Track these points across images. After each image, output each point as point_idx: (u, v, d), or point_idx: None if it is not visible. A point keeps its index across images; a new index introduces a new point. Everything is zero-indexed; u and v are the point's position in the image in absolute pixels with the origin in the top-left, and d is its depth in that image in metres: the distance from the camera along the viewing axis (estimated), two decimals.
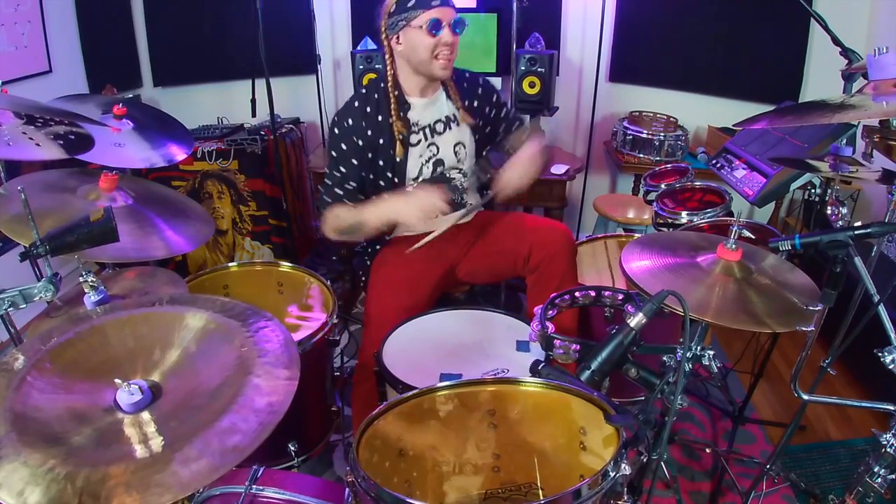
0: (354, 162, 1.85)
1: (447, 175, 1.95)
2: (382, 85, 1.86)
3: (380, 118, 1.84)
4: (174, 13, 3.41)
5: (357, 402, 1.80)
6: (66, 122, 1.42)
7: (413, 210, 1.71)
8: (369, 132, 1.84)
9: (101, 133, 1.57)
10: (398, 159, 1.85)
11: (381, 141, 1.85)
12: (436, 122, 1.91)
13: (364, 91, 1.89)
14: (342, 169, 1.85)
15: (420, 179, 1.92)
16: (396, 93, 1.84)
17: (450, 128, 1.94)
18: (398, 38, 1.79)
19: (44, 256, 1.11)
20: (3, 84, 1.58)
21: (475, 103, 1.97)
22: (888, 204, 1.40)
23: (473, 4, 3.24)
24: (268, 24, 2.61)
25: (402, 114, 1.85)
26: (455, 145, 1.94)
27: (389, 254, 1.97)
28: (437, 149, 1.92)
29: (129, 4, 3.37)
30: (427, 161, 1.91)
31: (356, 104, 1.86)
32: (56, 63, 2.94)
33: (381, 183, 1.90)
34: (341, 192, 1.86)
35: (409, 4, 1.74)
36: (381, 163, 1.87)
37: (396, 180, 1.90)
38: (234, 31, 3.38)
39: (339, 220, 1.84)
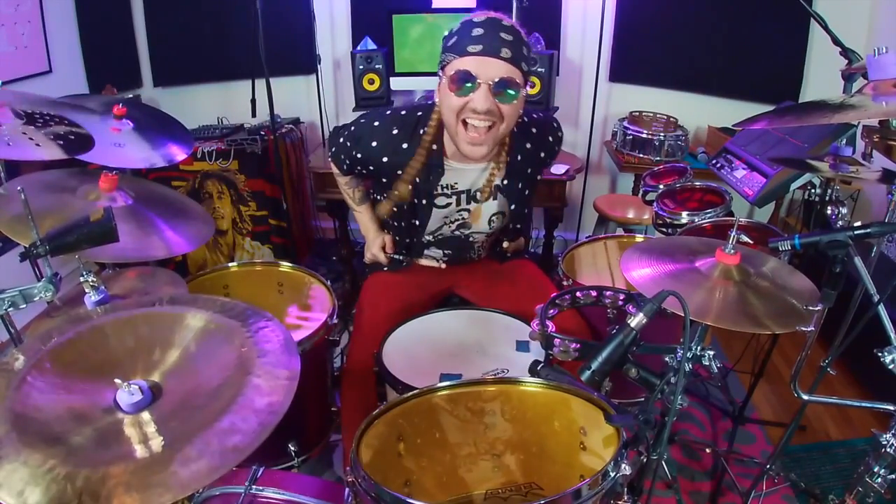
0: (360, 169, 1.71)
1: (469, 238, 1.76)
2: (430, 120, 1.51)
3: (405, 146, 1.54)
4: (174, 13, 3.41)
5: (347, 407, 1.64)
6: (66, 122, 1.42)
7: (368, 250, 1.81)
8: (385, 159, 1.58)
9: (101, 133, 1.56)
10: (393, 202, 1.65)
11: (399, 171, 1.57)
12: (476, 191, 1.60)
13: (404, 113, 1.58)
14: (346, 162, 1.71)
15: (436, 235, 1.75)
16: (434, 146, 1.51)
17: (495, 197, 1.62)
18: (439, 84, 1.41)
19: (44, 256, 1.11)
20: (3, 84, 1.58)
21: (526, 173, 1.62)
22: (888, 204, 1.41)
23: (473, 4, 3.24)
24: (268, 24, 2.61)
25: (429, 176, 1.54)
26: (493, 216, 1.68)
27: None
28: (469, 215, 1.66)
29: (129, 4, 3.38)
30: (451, 223, 1.71)
31: (394, 132, 1.55)
32: (56, 63, 2.94)
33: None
34: (345, 166, 1.72)
35: (450, 44, 1.33)
36: (381, 180, 1.70)
37: (417, 222, 1.70)
38: (234, 31, 3.38)
39: (344, 187, 1.83)
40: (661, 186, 2.11)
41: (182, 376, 0.95)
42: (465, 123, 1.38)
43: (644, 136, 3.10)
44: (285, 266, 1.90)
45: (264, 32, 2.59)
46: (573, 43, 3.39)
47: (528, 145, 1.61)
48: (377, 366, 1.48)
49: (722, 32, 3.15)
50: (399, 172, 1.56)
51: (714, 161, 2.16)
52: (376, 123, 1.58)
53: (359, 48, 3.11)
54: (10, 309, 1.10)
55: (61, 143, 1.38)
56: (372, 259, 1.81)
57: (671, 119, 3.20)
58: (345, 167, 1.76)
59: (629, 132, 3.15)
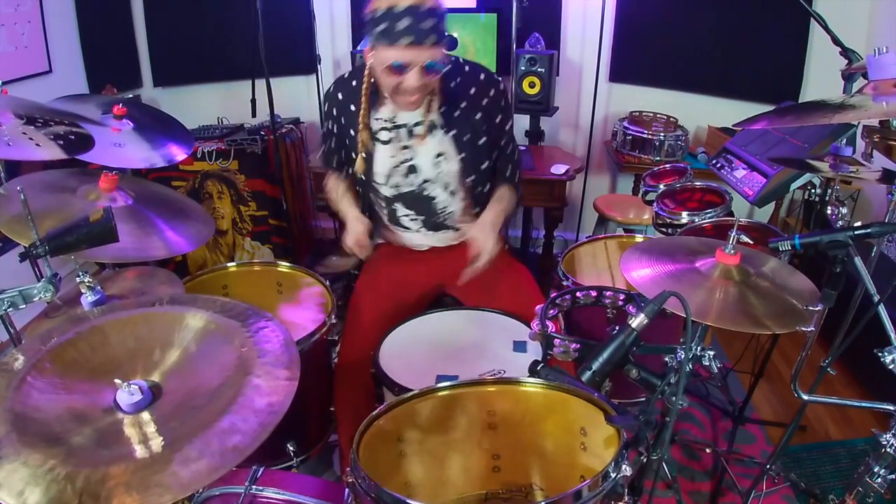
0: (334, 144, 1.83)
1: (428, 194, 1.77)
2: (361, 72, 1.68)
3: (352, 107, 1.72)
4: (174, 13, 3.41)
5: (340, 406, 1.68)
6: (66, 123, 1.42)
7: (347, 237, 1.74)
8: (342, 119, 1.76)
9: (101, 133, 1.56)
10: (363, 155, 1.72)
11: (352, 131, 1.73)
12: (416, 124, 1.69)
13: (345, 76, 1.77)
14: (330, 145, 1.84)
15: (391, 181, 1.76)
16: (373, 81, 1.63)
17: (432, 133, 1.70)
18: (369, 51, 1.54)
19: (43, 257, 1.11)
20: (3, 84, 1.58)
21: (462, 105, 1.70)
22: (888, 204, 1.41)
23: (473, 4, 3.24)
24: (268, 25, 2.61)
25: (370, 107, 1.68)
26: (438, 157, 1.72)
27: (377, 260, 1.91)
28: (412, 153, 1.72)
29: (129, 4, 3.37)
30: (398, 165, 1.73)
31: (331, 88, 1.78)
32: (56, 63, 2.94)
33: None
34: (333, 162, 1.87)
35: (378, 30, 1.46)
36: (352, 154, 1.76)
37: (364, 177, 1.77)
38: (234, 31, 3.38)
39: (329, 193, 1.89)
40: (662, 186, 2.11)
41: (182, 376, 0.95)
42: (399, 94, 1.57)
43: (644, 136, 3.10)
44: (284, 266, 1.90)
45: (264, 32, 2.59)
46: (573, 43, 3.38)
47: (472, 90, 1.72)
48: (374, 368, 1.48)
49: (722, 32, 3.15)
50: (354, 127, 1.74)
51: (714, 161, 2.16)
52: (335, 82, 1.80)
53: (359, 48, 3.11)
54: (10, 309, 1.09)
55: (61, 143, 1.38)
56: (350, 248, 1.74)
57: (671, 119, 3.20)
58: (331, 152, 1.85)
59: (629, 132, 3.15)
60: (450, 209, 1.82)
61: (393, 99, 1.61)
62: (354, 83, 1.73)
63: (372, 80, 1.64)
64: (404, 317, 1.70)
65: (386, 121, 1.72)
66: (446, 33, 1.54)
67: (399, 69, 1.49)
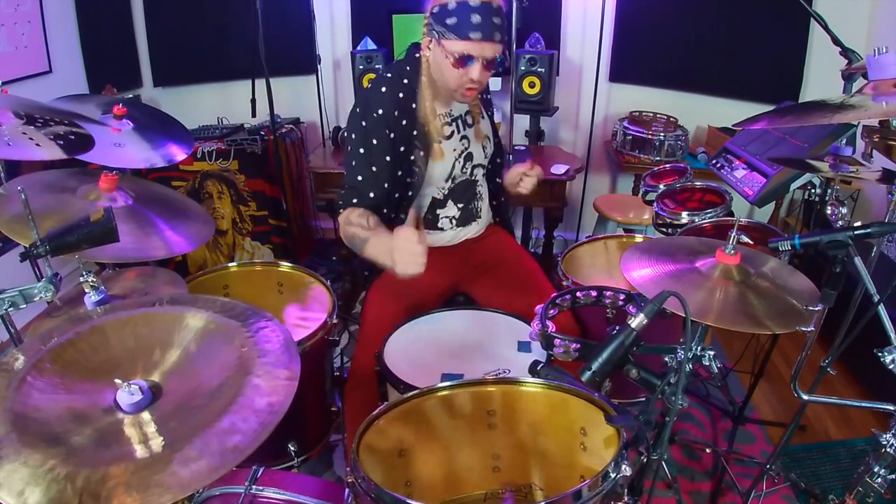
0: (388, 159, 1.63)
1: (476, 179, 1.85)
2: (410, 69, 1.65)
3: (414, 105, 1.64)
4: (174, 13, 3.41)
5: (350, 409, 1.67)
6: (66, 123, 1.42)
7: (399, 266, 1.43)
8: (403, 122, 1.63)
9: (101, 133, 1.56)
10: (433, 155, 1.67)
11: (415, 132, 1.66)
12: (466, 113, 1.79)
13: (390, 76, 1.65)
14: (372, 169, 1.63)
15: (452, 178, 1.78)
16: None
17: (477, 121, 1.82)
18: (430, 43, 1.59)
19: (44, 257, 1.11)
20: (3, 84, 1.58)
21: (485, 93, 1.90)
22: (888, 204, 1.40)
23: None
24: (268, 25, 2.61)
25: (432, 100, 1.67)
26: (483, 138, 1.83)
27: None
28: (469, 142, 1.79)
29: (129, 4, 3.37)
30: (460, 156, 1.77)
31: (384, 90, 1.62)
32: (56, 63, 2.94)
33: (407, 182, 1.70)
34: (357, 201, 1.65)
35: (449, 22, 1.50)
36: (411, 158, 1.67)
37: (417, 189, 1.69)
38: (234, 31, 3.39)
39: (348, 228, 1.62)
40: (662, 186, 2.11)
41: (182, 376, 0.95)
42: (459, 87, 1.61)
43: (644, 136, 3.10)
44: (285, 266, 1.90)
45: (264, 32, 2.59)
46: (573, 43, 3.39)
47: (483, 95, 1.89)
48: (378, 365, 1.48)
49: (722, 32, 3.15)
50: (416, 129, 1.67)
51: (714, 161, 2.16)
52: (370, 95, 1.65)
53: (359, 48, 3.11)
54: (10, 309, 1.10)
55: (61, 143, 1.38)
56: (413, 263, 1.43)
57: (671, 119, 3.20)
58: (382, 171, 1.65)
59: (629, 132, 3.15)
60: (483, 191, 1.92)
61: (450, 92, 1.63)
62: (406, 81, 1.65)
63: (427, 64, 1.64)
64: (413, 316, 1.70)
65: (445, 115, 1.74)
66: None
67: (464, 61, 1.54)
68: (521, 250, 2.01)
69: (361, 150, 1.64)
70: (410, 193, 1.73)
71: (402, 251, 1.41)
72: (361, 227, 1.59)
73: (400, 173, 1.69)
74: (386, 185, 1.67)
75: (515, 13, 2.72)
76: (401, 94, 1.63)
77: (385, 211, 1.72)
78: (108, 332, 1.02)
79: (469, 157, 1.81)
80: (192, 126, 3.11)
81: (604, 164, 3.64)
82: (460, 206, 1.86)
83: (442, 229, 1.87)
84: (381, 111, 1.61)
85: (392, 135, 1.63)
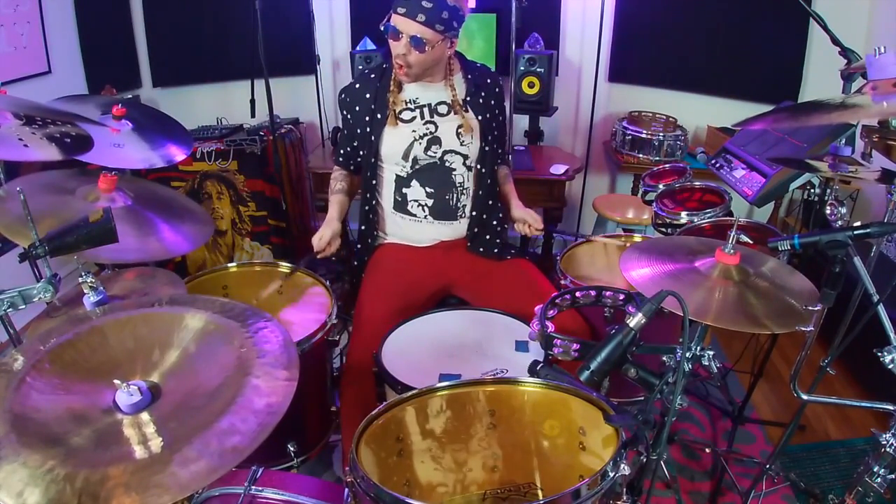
0: (345, 132, 1.97)
1: (449, 165, 1.87)
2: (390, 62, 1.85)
3: (367, 95, 1.88)
4: (174, 13, 3.41)
5: (346, 405, 1.70)
6: (65, 123, 1.42)
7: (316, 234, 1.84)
8: (357, 107, 1.89)
9: (100, 134, 1.56)
10: (385, 130, 1.85)
11: (374, 106, 1.87)
12: (438, 104, 1.86)
13: (375, 68, 1.96)
14: (344, 132, 1.98)
15: (412, 158, 1.86)
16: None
17: (455, 112, 1.87)
18: None
19: (43, 257, 1.11)
20: (3, 84, 1.58)
21: (480, 98, 1.90)
22: (887, 204, 1.41)
23: (473, 4, 3.23)
24: (267, 25, 2.61)
25: (398, 88, 1.86)
26: (459, 127, 1.86)
27: (383, 258, 1.95)
28: (436, 127, 1.86)
29: (128, 5, 3.37)
30: (421, 137, 1.85)
31: (365, 71, 1.95)
32: (55, 63, 2.94)
33: (365, 154, 1.91)
34: (340, 157, 2.02)
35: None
36: (370, 135, 1.87)
37: (374, 158, 1.88)
38: (233, 31, 3.38)
39: (330, 184, 2.02)
40: (661, 186, 2.11)
41: (181, 377, 0.95)
42: (394, 60, 1.78)
43: (643, 136, 3.10)
44: (284, 266, 1.90)
45: (264, 33, 2.59)
46: (572, 43, 3.39)
47: (488, 80, 1.95)
48: (376, 366, 1.48)
49: (722, 32, 3.15)
50: (382, 112, 1.87)
51: (713, 161, 2.16)
52: (353, 83, 1.94)
53: (358, 48, 3.11)
54: (10, 309, 1.10)
55: (60, 143, 1.38)
56: (319, 243, 1.84)
57: (670, 119, 3.20)
58: (345, 139, 1.97)
59: (628, 132, 3.16)
60: (465, 185, 1.91)
61: (395, 70, 1.79)
62: (373, 76, 1.91)
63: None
64: (414, 314, 1.72)
65: (408, 102, 1.86)
66: (445, 24, 1.69)
67: (394, 33, 1.71)
68: (519, 261, 1.98)
69: (342, 123, 2.00)
70: (373, 160, 1.91)
71: (319, 231, 1.84)
72: (333, 182, 2.02)
73: (358, 144, 1.96)
74: (344, 152, 2.01)
75: (515, 13, 2.73)
76: (357, 85, 1.91)
77: (358, 160, 1.99)
78: (108, 332, 1.02)
79: (435, 141, 1.87)
80: (191, 126, 3.10)
81: (603, 164, 3.64)
82: (429, 190, 1.88)
83: (415, 216, 1.91)
84: (343, 94, 1.93)
85: (349, 116, 1.93)
